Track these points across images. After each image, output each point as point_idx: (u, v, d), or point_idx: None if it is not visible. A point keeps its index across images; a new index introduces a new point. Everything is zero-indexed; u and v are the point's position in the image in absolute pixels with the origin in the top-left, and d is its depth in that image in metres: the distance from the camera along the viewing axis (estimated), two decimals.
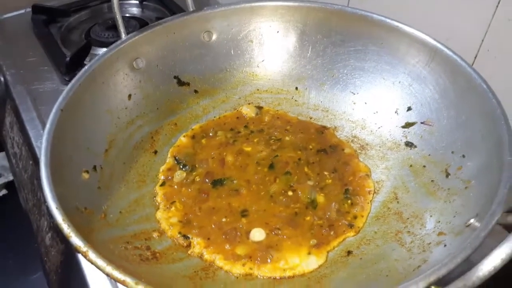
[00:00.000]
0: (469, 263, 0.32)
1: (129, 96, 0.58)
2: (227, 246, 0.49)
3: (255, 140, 0.60)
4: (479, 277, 0.28)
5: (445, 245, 0.42)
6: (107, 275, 0.34)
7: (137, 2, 0.98)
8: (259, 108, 0.66)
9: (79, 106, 0.51)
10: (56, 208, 0.38)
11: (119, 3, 0.58)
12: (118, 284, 0.50)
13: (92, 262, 0.34)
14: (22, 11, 0.96)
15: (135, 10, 0.98)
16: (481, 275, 0.28)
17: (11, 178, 1.04)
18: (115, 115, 0.56)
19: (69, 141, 0.48)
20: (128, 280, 0.33)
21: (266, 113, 0.66)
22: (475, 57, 0.66)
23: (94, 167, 0.50)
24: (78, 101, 0.50)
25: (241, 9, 0.65)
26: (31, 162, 0.69)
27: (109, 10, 0.97)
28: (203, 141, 0.61)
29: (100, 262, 0.34)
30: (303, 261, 0.48)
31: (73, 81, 0.51)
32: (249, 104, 0.67)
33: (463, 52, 0.55)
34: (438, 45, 0.55)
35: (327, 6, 0.63)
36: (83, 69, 0.52)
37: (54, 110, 0.47)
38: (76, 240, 0.35)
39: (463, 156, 0.50)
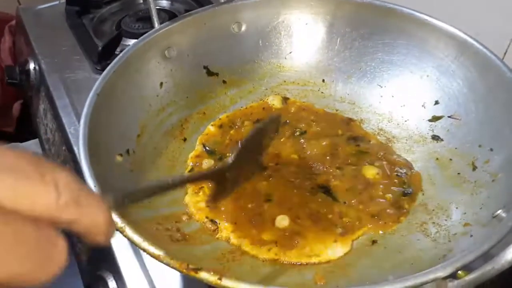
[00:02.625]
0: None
1: (161, 84, 0.60)
2: (253, 231, 0.50)
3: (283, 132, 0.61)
4: (507, 260, 0.28)
5: (471, 235, 0.42)
6: (143, 250, 0.35)
7: None
8: (285, 99, 0.67)
9: (114, 92, 0.53)
10: (94, 186, 0.40)
11: None
12: (146, 262, 0.52)
13: (128, 238, 0.36)
14: (57, 2, 0.99)
15: (164, 3, 1.00)
16: (510, 258, 0.28)
17: None
18: (147, 102, 0.58)
19: (104, 124, 0.50)
20: (163, 255, 0.35)
21: (292, 104, 0.67)
22: (505, 53, 0.65)
23: (127, 151, 0.52)
24: (112, 87, 0.52)
25: (271, 1, 0.66)
26: (63, 147, 0.71)
27: (139, 2, 1.00)
28: (232, 132, 0.62)
29: (137, 237, 0.36)
30: (329, 249, 0.49)
31: (108, 67, 0.53)
32: (275, 95, 0.68)
33: (493, 47, 0.54)
34: (468, 38, 0.55)
35: None
36: (118, 56, 0.54)
37: (91, 94, 0.49)
38: (114, 217, 0.37)
39: (491, 149, 0.50)
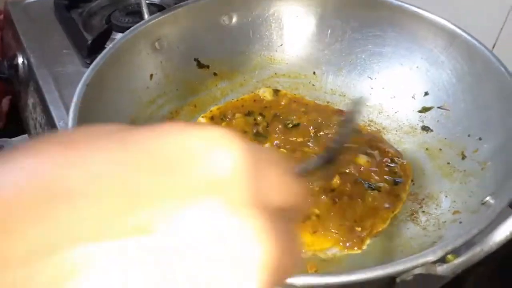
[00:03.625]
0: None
1: (151, 76, 0.59)
2: None
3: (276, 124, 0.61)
4: (495, 241, 0.28)
5: (460, 222, 0.43)
6: None
7: None
8: (276, 91, 0.67)
9: (103, 83, 0.52)
10: None
11: None
12: None
13: None
14: None
15: None
16: (498, 240, 0.28)
17: None
18: (136, 94, 0.57)
19: (93, 116, 0.49)
20: None
21: (283, 97, 0.67)
22: (494, 45, 0.66)
23: None
24: (102, 78, 0.52)
25: None
26: None
27: None
28: (223, 124, 0.62)
29: None
30: (319, 240, 0.49)
31: (98, 58, 0.52)
32: (266, 87, 0.68)
33: (483, 39, 0.55)
34: (456, 29, 0.56)
35: None
36: (108, 47, 0.54)
37: (80, 85, 0.49)
38: None
39: (480, 139, 0.51)
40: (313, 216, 0.49)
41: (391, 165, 0.54)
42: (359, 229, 0.49)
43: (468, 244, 0.33)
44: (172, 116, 0.61)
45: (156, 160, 0.15)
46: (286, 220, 0.17)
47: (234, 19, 0.66)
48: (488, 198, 0.41)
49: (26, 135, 0.97)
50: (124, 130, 0.16)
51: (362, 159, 0.54)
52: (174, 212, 0.14)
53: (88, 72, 0.50)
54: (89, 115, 0.48)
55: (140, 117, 0.57)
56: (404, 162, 0.55)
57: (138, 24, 0.57)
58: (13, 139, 1.07)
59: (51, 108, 0.72)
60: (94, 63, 0.51)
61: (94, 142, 0.15)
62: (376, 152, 0.55)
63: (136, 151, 0.15)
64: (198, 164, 0.15)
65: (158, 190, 0.14)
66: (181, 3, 0.62)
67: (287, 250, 0.16)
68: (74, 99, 0.46)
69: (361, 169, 0.53)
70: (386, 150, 0.56)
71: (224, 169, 0.15)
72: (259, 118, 0.63)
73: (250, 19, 0.66)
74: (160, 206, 0.14)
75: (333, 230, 0.49)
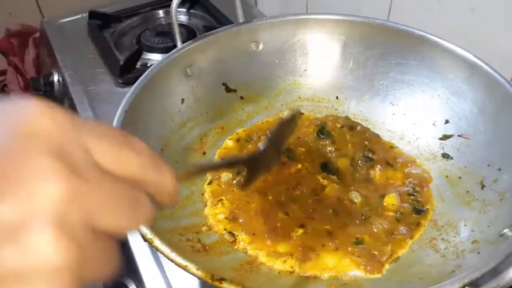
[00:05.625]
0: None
1: (182, 100, 0.63)
2: (269, 243, 0.52)
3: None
4: (511, 278, 0.30)
5: (478, 252, 0.44)
6: (171, 260, 0.38)
7: (185, 10, 1.03)
8: (300, 114, 0.70)
9: (139, 108, 0.55)
10: None
11: (176, 14, 0.63)
12: (166, 269, 0.54)
13: (157, 249, 0.39)
14: (79, 16, 1.03)
15: (182, 18, 1.03)
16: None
17: None
18: (169, 117, 0.61)
19: None
20: (190, 266, 0.37)
21: (307, 120, 0.69)
22: None
23: None
24: (138, 103, 0.55)
25: (287, 21, 0.68)
26: None
27: (158, 16, 1.03)
28: (249, 146, 0.65)
29: (165, 248, 0.38)
30: (341, 263, 0.51)
31: (135, 85, 0.56)
32: (291, 110, 0.70)
33: (503, 66, 0.57)
34: (478, 61, 0.57)
35: (369, 20, 0.66)
36: (144, 74, 0.57)
37: (119, 112, 0.52)
38: (143, 229, 0.40)
39: (499, 169, 0.52)
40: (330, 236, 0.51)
41: (414, 194, 0.56)
42: (376, 252, 0.51)
43: (485, 277, 0.35)
44: (201, 138, 0.64)
45: None
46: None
47: (261, 46, 0.69)
48: (506, 230, 0.43)
49: None
50: None
51: (393, 199, 0.56)
52: None
53: (126, 99, 0.53)
54: None
55: (172, 139, 0.60)
56: (425, 188, 0.57)
57: (172, 52, 0.61)
58: None
59: None
60: (131, 90, 0.55)
61: None
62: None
63: None
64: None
65: None
66: (212, 31, 0.65)
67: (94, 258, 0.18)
68: (114, 125, 0.50)
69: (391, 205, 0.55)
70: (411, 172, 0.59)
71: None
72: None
73: (275, 46, 0.69)
74: None
75: (354, 253, 0.51)
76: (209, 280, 0.36)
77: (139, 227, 0.21)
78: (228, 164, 0.47)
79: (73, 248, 0.17)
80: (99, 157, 0.19)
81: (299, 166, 0.61)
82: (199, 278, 0.37)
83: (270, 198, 0.57)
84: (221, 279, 0.36)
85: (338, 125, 0.65)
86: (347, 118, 0.66)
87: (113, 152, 0.20)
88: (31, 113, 0.18)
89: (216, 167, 0.50)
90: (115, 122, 0.50)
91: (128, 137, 0.21)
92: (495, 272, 0.36)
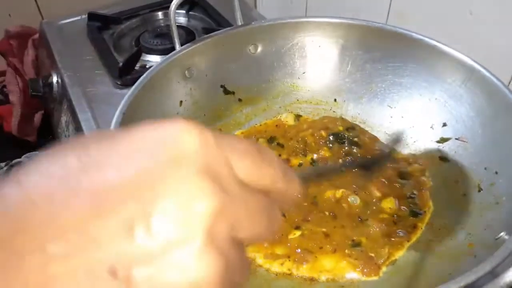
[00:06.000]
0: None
1: (180, 102, 0.63)
2: (265, 245, 0.53)
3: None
4: (506, 282, 0.30)
5: (475, 256, 0.44)
6: None
7: (184, 11, 1.04)
8: (298, 116, 0.70)
9: (137, 110, 0.55)
10: None
11: (175, 16, 0.63)
12: None
13: None
14: (78, 17, 1.03)
15: (181, 19, 1.03)
16: (508, 281, 0.30)
17: None
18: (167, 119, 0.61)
19: None
20: None
21: (305, 122, 0.70)
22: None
23: None
24: (136, 106, 0.55)
25: (286, 24, 0.69)
26: None
27: (157, 18, 1.03)
28: None
29: None
30: (338, 265, 0.51)
31: (133, 87, 0.56)
32: (289, 112, 0.70)
33: (501, 70, 0.57)
34: (475, 65, 0.58)
35: (368, 23, 0.66)
36: (142, 77, 0.57)
37: (117, 114, 0.52)
38: None
39: (496, 172, 0.52)
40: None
41: (411, 196, 0.56)
42: (373, 254, 0.51)
43: (482, 280, 0.35)
44: None
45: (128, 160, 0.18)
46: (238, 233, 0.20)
47: (259, 49, 0.69)
48: (502, 233, 0.43)
49: None
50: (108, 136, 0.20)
51: (390, 203, 0.56)
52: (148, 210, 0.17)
53: (124, 101, 0.53)
54: None
55: None
56: (423, 192, 0.57)
57: (170, 54, 0.61)
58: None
59: (84, 128, 0.76)
60: (129, 92, 0.55)
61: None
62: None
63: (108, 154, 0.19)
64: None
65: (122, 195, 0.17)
66: (211, 34, 0.65)
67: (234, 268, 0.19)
68: (112, 128, 0.50)
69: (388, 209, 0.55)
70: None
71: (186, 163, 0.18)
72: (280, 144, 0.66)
73: (274, 48, 0.69)
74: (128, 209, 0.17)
75: (351, 255, 0.51)
76: None
77: (275, 234, 0.22)
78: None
79: (222, 261, 0.18)
80: (240, 172, 0.20)
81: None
82: None
83: None
84: None
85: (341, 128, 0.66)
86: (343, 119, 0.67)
87: (253, 168, 0.21)
88: (178, 134, 0.19)
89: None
90: (112, 124, 0.51)
91: (261, 149, 0.22)
92: (492, 275, 0.36)
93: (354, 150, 0.63)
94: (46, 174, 0.18)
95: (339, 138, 0.64)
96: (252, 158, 0.21)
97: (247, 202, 0.20)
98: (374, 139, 0.65)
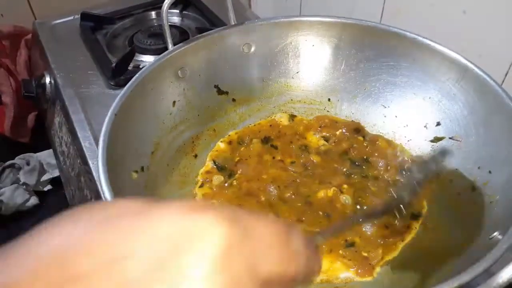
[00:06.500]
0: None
1: (174, 102, 0.63)
2: None
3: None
4: (499, 283, 0.30)
5: (469, 256, 0.44)
6: None
7: (178, 11, 1.03)
8: (293, 116, 0.70)
9: (130, 111, 0.55)
10: None
11: (167, 16, 0.62)
12: None
13: None
14: (71, 17, 1.02)
15: (175, 19, 1.03)
16: (501, 282, 0.30)
17: (56, 174, 1.10)
18: (160, 120, 0.60)
19: (121, 143, 0.52)
20: None
21: (299, 122, 0.69)
22: (505, 76, 0.67)
23: (142, 168, 0.54)
24: (129, 106, 0.55)
25: (280, 24, 0.68)
26: (79, 161, 0.74)
27: (151, 18, 1.03)
28: (241, 149, 0.64)
29: None
30: (333, 266, 0.51)
31: (125, 88, 0.55)
32: (283, 113, 0.70)
33: (494, 68, 0.57)
34: (469, 64, 0.58)
35: (361, 22, 0.66)
36: (135, 77, 0.57)
37: (109, 115, 0.52)
38: None
39: (490, 172, 0.52)
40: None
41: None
42: (367, 255, 0.51)
43: (476, 280, 0.35)
44: (192, 141, 0.64)
45: (149, 251, 0.18)
46: None
47: (253, 48, 0.69)
48: (496, 233, 0.43)
49: (51, 150, 1.01)
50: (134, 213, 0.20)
51: None
52: None
53: (116, 102, 0.53)
54: (116, 142, 0.51)
55: (163, 142, 0.60)
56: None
57: (163, 54, 0.60)
58: (38, 153, 1.11)
59: (77, 129, 0.75)
60: (121, 93, 0.54)
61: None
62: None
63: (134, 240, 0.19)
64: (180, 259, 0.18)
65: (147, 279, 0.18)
66: (203, 34, 0.65)
67: None
68: (103, 130, 0.49)
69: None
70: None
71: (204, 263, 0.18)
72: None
73: (268, 48, 0.69)
74: None
75: (345, 256, 0.51)
76: None
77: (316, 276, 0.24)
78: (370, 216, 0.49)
79: None
80: (263, 269, 0.20)
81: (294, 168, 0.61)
82: None
83: (263, 199, 0.57)
84: None
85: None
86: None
87: (279, 269, 0.21)
88: (206, 231, 0.19)
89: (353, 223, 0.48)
90: (104, 125, 0.50)
91: (289, 240, 0.22)
92: (486, 275, 0.36)
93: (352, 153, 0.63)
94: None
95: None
96: (278, 256, 0.21)
97: None
98: (375, 139, 0.65)
